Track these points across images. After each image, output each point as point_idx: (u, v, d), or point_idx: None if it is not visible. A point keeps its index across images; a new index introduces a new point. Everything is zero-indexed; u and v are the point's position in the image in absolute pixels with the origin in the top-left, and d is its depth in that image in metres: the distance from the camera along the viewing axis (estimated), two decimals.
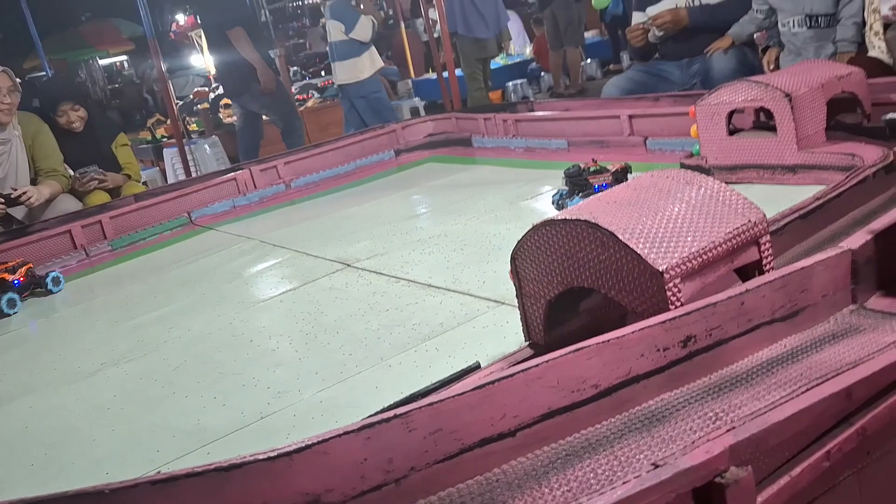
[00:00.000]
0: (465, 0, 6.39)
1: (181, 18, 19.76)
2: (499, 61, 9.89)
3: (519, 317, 1.55)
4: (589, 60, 9.25)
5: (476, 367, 1.17)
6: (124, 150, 3.75)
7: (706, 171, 2.29)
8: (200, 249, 2.78)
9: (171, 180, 5.43)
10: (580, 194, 2.19)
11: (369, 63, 5.15)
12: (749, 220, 1.06)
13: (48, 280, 2.57)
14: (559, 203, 2.26)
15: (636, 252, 0.97)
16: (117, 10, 19.61)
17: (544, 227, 1.08)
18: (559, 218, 1.06)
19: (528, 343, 1.20)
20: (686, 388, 0.90)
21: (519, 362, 1.14)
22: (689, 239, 1.00)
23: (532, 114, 3.55)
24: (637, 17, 3.68)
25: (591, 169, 2.25)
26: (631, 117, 3.00)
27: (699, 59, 3.33)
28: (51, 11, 15.16)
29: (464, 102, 5.40)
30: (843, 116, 2.26)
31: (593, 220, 1.01)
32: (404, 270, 2.05)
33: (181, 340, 1.89)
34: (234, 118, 7.00)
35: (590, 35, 9.64)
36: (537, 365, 0.79)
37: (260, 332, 1.83)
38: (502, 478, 0.76)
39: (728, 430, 0.75)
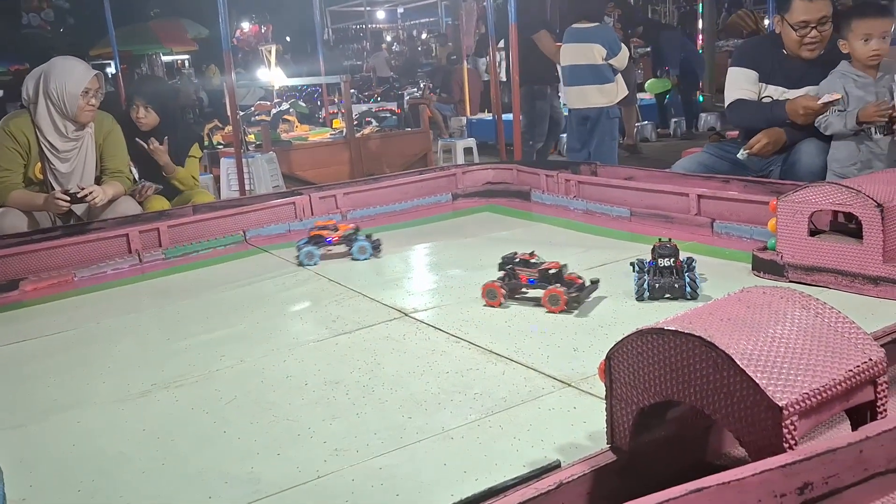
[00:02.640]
0: None
1: (246, 26, 20.10)
2: None
3: (586, 405, 1.52)
4: (646, 122, 9.23)
5: (556, 466, 1.12)
6: (192, 161, 3.81)
7: (781, 267, 2.24)
8: (254, 272, 2.78)
9: (223, 189, 5.49)
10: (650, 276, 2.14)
11: (622, 89, 5.35)
12: (870, 359, 1.00)
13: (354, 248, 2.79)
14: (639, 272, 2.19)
15: (755, 382, 0.92)
16: (185, 9, 20.13)
17: (651, 335, 1.04)
18: (669, 328, 1.01)
19: (610, 446, 1.14)
20: None
21: (601, 466, 1.10)
22: (809, 373, 0.95)
23: (596, 178, 3.52)
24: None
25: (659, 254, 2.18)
26: (700, 197, 2.96)
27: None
28: (124, 2, 15.58)
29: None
30: None
31: (709, 339, 0.96)
32: (463, 330, 2.01)
33: (233, 371, 1.87)
34: (291, 135, 7.07)
35: (647, 96, 9.65)
36: None
37: (315, 375, 1.79)
38: None
39: None
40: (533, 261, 2.19)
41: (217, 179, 5.91)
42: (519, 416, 1.50)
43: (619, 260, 2.55)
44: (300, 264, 2.76)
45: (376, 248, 2.84)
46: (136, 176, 3.60)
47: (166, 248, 3.07)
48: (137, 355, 2.05)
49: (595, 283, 2.18)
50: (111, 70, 13.15)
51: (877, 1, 3.08)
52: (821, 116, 3.01)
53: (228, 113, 5.11)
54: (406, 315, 2.17)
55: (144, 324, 2.35)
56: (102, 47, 16.52)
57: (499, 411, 1.53)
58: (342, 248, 2.83)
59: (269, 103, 8.82)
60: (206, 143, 6.83)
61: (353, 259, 2.79)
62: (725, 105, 3.46)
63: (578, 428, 1.43)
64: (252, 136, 6.52)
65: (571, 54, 5.28)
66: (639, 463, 1.11)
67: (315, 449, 1.43)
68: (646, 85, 9.16)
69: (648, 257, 2.21)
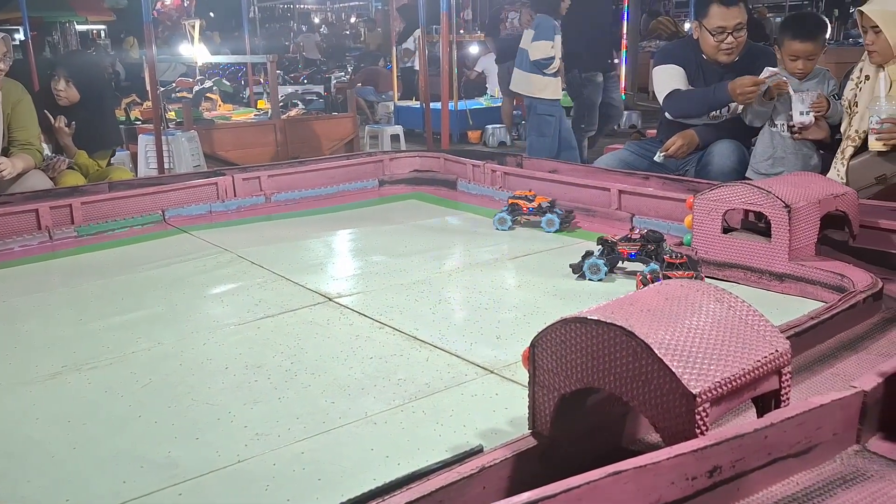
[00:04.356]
0: None
1: None
2: (482, 102, 10.01)
3: (508, 392, 1.55)
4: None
5: (478, 451, 1.14)
6: (106, 153, 3.72)
7: (695, 262, 2.33)
8: (173, 253, 2.70)
9: (141, 167, 5.29)
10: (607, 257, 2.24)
11: (552, 90, 5.31)
12: (776, 350, 1.06)
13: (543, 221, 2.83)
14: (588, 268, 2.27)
15: (671, 370, 0.96)
16: None
17: (574, 323, 1.07)
18: (592, 318, 1.05)
19: (531, 431, 1.17)
20: None
21: (523, 451, 1.13)
22: (721, 363, 1.00)
23: (521, 169, 3.57)
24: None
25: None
26: (621, 192, 3.04)
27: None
28: None
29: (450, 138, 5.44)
30: (831, 232, 2.33)
31: (629, 329, 1.00)
32: (388, 316, 2.01)
33: (150, 354, 1.82)
34: (214, 113, 6.86)
35: None
36: (579, 486, 0.77)
37: (236, 359, 1.76)
38: None
39: None
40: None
41: (134, 157, 5.70)
42: (442, 401, 1.52)
43: (541, 251, 2.60)
44: (496, 228, 2.90)
45: (565, 221, 2.88)
46: (48, 151, 3.45)
47: (79, 225, 2.95)
48: (46, 336, 1.97)
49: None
50: (20, 36, 12.44)
51: (809, 23, 3.20)
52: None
53: (148, 88, 4.93)
54: (330, 300, 2.15)
55: (54, 303, 2.25)
56: (10, 12, 15.59)
57: (422, 397, 1.54)
58: (535, 218, 2.92)
59: (191, 80, 8.56)
60: (123, 118, 6.58)
61: (545, 231, 2.84)
62: (661, 99, 3.48)
63: (500, 414, 1.46)
64: (172, 113, 6.32)
65: (523, 39, 5.38)
66: (559, 448, 1.15)
67: (235, 433, 1.41)
68: None
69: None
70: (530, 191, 3.07)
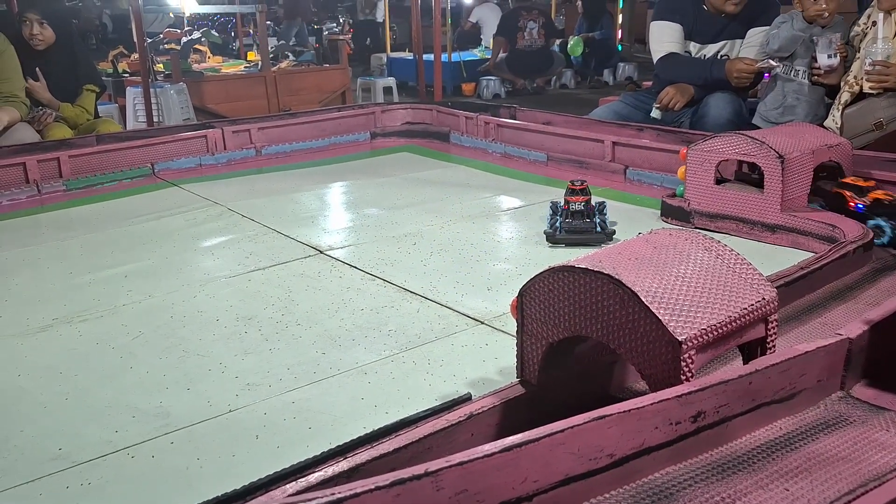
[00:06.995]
0: None
1: None
2: (476, 53, 9.87)
3: (498, 342, 1.56)
4: (566, 69, 9.29)
5: (467, 399, 1.15)
6: (90, 95, 3.60)
7: (687, 213, 2.33)
8: (163, 207, 2.68)
9: (130, 120, 5.23)
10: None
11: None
12: (763, 298, 1.06)
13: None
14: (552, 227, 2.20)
15: (658, 317, 0.96)
16: None
17: (562, 272, 1.07)
18: (579, 266, 1.04)
19: (519, 380, 1.18)
20: (690, 462, 0.91)
21: (511, 399, 1.14)
22: (707, 311, 1.00)
23: (514, 121, 3.54)
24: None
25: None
26: (614, 144, 3.02)
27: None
28: None
29: (444, 91, 5.35)
30: (824, 183, 2.32)
31: (616, 277, 1.00)
32: (379, 268, 2.01)
33: (141, 307, 1.82)
34: (203, 66, 6.77)
35: None
36: (562, 430, 0.78)
37: (227, 311, 1.76)
38: None
39: None
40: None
41: (122, 109, 5.63)
42: (432, 352, 1.53)
43: (534, 203, 2.59)
44: None
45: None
46: (30, 104, 3.38)
47: (67, 179, 2.92)
48: (37, 289, 1.97)
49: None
50: None
51: None
52: (772, 34, 3.10)
53: (135, 39, 4.84)
54: (321, 252, 2.15)
55: (45, 257, 2.24)
56: None
57: (412, 347, 1.55)
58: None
59: (179, 31, 8.40)
60: (111, 70, 6.48)
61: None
62: (655, 59, 3.44)
63: (490, 363, 1.47)
64: (161, 65, 6.22)
65: None
66: (547, 396, 1.15)
67: (226, 384, 1.42)
68: (569, 48, 9.17)
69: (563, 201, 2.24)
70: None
